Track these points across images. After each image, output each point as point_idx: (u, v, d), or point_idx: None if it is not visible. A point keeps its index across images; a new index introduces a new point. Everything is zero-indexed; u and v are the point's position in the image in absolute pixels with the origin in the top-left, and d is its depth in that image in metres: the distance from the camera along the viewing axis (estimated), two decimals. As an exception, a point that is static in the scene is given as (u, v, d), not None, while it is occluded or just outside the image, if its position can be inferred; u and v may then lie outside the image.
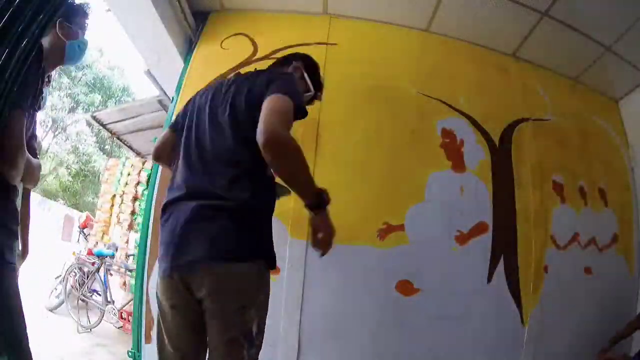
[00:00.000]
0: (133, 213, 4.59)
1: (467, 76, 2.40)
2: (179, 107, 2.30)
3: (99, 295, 4.23)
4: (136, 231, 4.45)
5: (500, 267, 2.20)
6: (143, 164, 4.64)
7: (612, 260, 2.80)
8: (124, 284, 4.75)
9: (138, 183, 4.58)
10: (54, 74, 1.53)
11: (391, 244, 2.01)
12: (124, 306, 3.90)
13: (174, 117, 1.64)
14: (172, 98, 2.45)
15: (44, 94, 1.38)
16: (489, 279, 2.17)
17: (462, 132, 2.26)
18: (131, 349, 2.04)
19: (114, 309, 3.87)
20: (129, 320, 3.68)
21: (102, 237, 4.87)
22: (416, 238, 2.05)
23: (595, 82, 3.03)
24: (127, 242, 4.47)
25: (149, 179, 4.40)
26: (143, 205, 4.54)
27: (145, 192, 4.46)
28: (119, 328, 3.87)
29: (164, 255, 1.21)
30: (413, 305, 2.03)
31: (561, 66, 2.85)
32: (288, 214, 2.06)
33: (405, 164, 2.14)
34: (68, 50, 1.40)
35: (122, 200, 4.64)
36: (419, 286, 2.04)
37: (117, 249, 4.63)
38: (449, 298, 2.09)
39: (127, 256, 4.42)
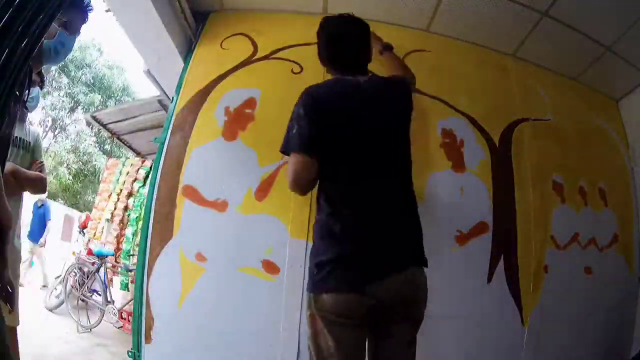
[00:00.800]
0: (126, 209, 4.61)
1: (467, 76, 2.39)
2: (179, 107, 2.30)
3: (99, 295, 4.24)
4: (128, 226, 4.46)
5: (500, 267, 2.20)
6: (142, 162, 4.65)
7: (612, 260, 2.80)
8: (110, 280, 4.72)
9: (135, 180, 4.58)
10: (47, 75, 1.48)
11: (391, 245, 2.00)
12: (124, 306, 3.91)
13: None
14: (172, 98, 2.44)
15: (32, 94, 1.33)
16: (489, 279, 2.17)
17: (462, 131, 2.26)
18: (131, 349, 2.04)
19: (114, 309, 3.88)
20: (129, 320, 3.69)
21: (94, 234, 4.88)
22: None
23: (595, 82, 3.03)
24: (116, 237, 4.47)
25: (146, 177, 4.39)
26: (136, 202, 4.53)
27: (142, 189, 4.44)
28: (119, 328, 3.88)
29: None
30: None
31: (561, 66, 2.85)
32: (288, 214, 2.06)
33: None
34: (44, 50, 1.31)
35: (118, 198, 4.66)
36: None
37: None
38: (449, 298, 2.08)
39: (117, 251, 4.43)
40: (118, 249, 4.46)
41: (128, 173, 4.60)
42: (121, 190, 4.61)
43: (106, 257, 4.27)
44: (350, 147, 1.29)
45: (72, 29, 1.47)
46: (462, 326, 2.12)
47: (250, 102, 2.29)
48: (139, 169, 4.55)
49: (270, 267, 2.03)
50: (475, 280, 2.15)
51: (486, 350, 2.18)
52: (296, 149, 1.29)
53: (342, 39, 1.47)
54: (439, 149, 2.20)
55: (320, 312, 1.22)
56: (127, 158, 5.15)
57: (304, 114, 1.30)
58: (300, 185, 1.32)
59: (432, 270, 2.05)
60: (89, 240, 5.05)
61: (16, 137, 1.58)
